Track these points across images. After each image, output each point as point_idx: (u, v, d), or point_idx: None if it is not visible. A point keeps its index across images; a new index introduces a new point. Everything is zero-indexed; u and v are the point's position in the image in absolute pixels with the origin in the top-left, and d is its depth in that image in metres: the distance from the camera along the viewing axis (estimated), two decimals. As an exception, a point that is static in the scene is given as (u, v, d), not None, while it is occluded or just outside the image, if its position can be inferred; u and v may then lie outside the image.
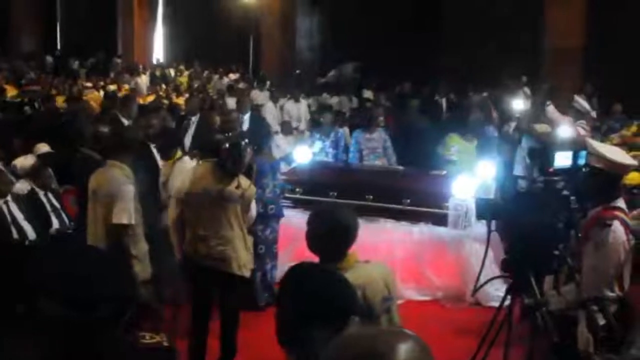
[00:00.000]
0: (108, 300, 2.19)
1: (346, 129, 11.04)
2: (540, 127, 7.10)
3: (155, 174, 6.64)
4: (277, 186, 7.01)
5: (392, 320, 3.33)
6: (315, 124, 10.64)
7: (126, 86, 17.19)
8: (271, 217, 6.92)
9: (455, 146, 8.78)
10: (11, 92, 14.42)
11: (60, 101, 13.16)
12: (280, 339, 2.41)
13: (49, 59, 22.58)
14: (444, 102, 14.20)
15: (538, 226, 3.70)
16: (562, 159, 3.72)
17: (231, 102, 12.95)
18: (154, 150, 6.88)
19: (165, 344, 3.41)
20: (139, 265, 5.15)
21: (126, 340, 2.45)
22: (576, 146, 3.88)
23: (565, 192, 3.80)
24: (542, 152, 3.78)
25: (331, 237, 3.22)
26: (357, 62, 19.79)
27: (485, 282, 3.96)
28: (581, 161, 3.82)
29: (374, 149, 9.40)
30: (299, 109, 14.00)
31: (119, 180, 5.16)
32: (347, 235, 3.25)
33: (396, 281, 3.42)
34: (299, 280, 2.42)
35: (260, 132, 7.45)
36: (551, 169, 3.72)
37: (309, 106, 14.60)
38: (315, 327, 2.27)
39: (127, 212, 5.09)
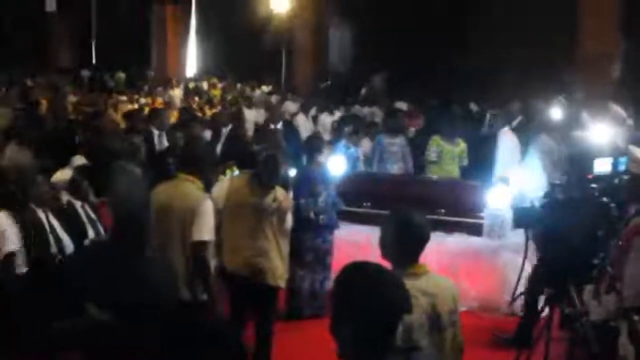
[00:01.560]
0: (153, 307, 2.20)
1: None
2: (580, 134, 7.00)
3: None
4: (330, 196, 6.97)
5: (457, 335, 3.26)
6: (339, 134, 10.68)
7: (160, 99, 17.34)
8: (323, 227, 6.90)
9: (435, 147, 9.02)
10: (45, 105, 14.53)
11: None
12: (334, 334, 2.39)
13: (85, 73, 22.90)
14: (487, 116, 13.94)
15: (577, 234, 3.62)
16: (602, 165, 3.65)
17: (249, 114, 12.83)
18: None
19: None
20: (213, 280, 5.07)
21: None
22: (616, 152, 3.79)
23: (604, 199, 3.72)
24: (581, 159, 3.70)
25: (403, 241, 3.20)
26: (384, 72, 19.71)
27: (526, 293, 3.89)
28: (621, 167, 3.74)
29: (395, 153, 9.67)
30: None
31: (197, 195, 5.02)
32: (419, 240, 3.24)
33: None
34: (350, 279, 2.41)
35: (307, 142, 7.51)
36: (591, 176, 3.64)
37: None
38: (366, 326, 2.26)
39: (208, 229, 4.97)
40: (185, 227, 4.92)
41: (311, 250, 6.82)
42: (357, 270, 2.46)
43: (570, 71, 15.99)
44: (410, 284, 3.05)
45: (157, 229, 5.09)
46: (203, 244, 4.92)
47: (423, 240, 3.24)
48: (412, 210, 3.30)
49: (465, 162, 9.09)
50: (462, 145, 9.15)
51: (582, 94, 12.49)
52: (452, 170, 8.95)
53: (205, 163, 5.22)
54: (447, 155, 9.03)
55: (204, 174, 5.13)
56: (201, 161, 5.18)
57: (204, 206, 4.95)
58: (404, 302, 2.38)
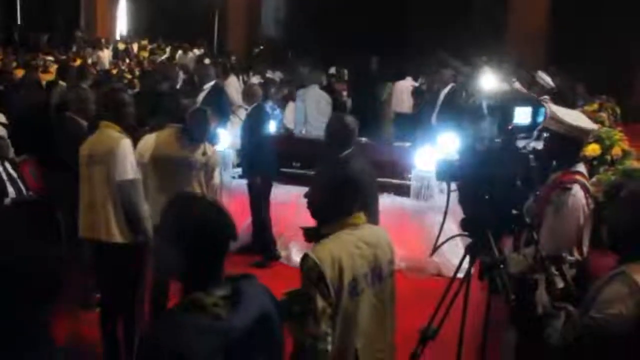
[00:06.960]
0: None
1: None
2: (501, 86, 7.10)
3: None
4: None
5: (393, 285, 3.26)
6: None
7: (89, 60, 16.91)
8: None
9: None
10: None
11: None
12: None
13: (11, 32, 22.14)
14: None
15: (496, 183, 3.65)
16: (522, 116, 3.67)
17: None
18: None
19: None
20: (147, 222, 4.95)
21: None
22: (534, 102, 3.82)
23: (523, 150, 3.76)
24: (501, 109, 3.72)
25: (345, 190, 3.11)
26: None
27: (446, 241, 3.93)
28: (540, 118, 3.78)
29: None
30: (266, 84, 13.87)
31: (115, 137, 4.92)
32: (360, 187, 3.19)
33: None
34: (177, 207, 2.40)
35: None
36: (510, 126, 3.67)
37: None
38: (194, 251, 2.28)
39: (130, 167, 4.87)
40: (109, 170, 4.84)
41: None
42: (182, 199, 2.47)
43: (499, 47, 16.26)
44: (353, 234, 3.04)
45: (84, 178, 5.02)
46: (128, 182, 4.83)
47: (363, 187, 3.19)
48: (348, 161, 3.24)
49: None
50: None
51: (512, 64, 12.69)
52: None
53: (125, 110, 5.10)
54: None
55: (124, 120, 5.04)
56: (120, 108, 5.06)
57: (122, 146, 4.86)
58: (228, 227, 2.36)
